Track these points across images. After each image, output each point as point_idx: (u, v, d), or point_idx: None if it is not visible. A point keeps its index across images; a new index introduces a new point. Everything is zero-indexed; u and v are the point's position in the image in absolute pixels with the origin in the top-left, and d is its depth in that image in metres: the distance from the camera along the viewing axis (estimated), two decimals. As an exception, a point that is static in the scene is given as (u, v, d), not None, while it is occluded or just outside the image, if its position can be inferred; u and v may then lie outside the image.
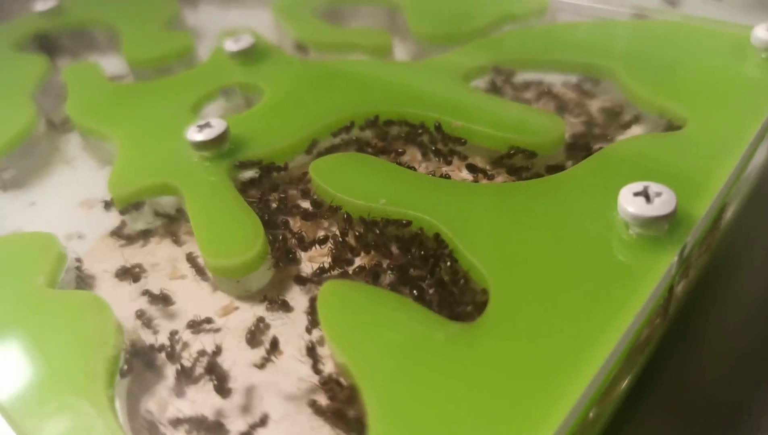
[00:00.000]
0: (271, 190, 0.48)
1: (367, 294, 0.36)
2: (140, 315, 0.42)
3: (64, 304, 0.39)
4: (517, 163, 0.46)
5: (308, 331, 0.38)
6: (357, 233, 0.41)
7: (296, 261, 0.43)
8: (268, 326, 0.40)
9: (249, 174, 0.48)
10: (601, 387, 0.30)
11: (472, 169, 0.47)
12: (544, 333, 0.31)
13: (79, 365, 0.36)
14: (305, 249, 0.43)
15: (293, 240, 0.44)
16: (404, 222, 0.40)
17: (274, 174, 0.48)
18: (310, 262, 0.44)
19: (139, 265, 0.45)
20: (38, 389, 0.34)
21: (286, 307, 0.41)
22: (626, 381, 0.35)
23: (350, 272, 0.40)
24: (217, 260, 0.41)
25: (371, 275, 0.39)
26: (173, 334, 0.40)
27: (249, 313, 0.41)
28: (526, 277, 0.34)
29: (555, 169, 0.45)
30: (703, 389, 0.35)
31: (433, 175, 0.46)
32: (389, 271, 0.39)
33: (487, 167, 0.47)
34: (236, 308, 0.42)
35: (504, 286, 0.34)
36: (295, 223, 0.46)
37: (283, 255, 0.43)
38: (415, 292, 0.36)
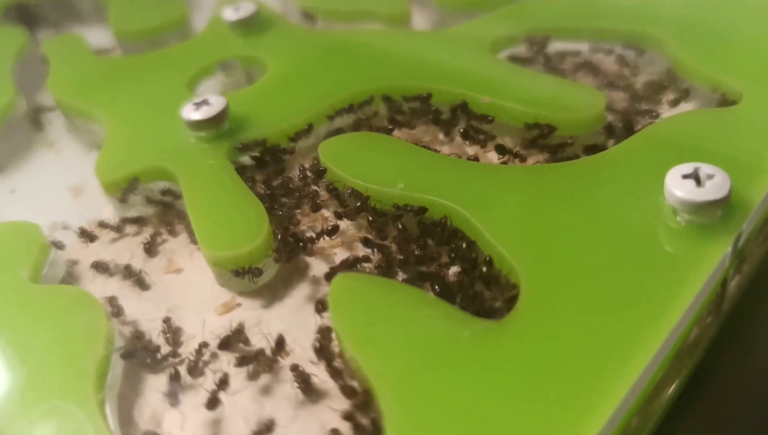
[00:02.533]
0: (276, 175, 0.48)
1: (383, 288, 0.36)
2: (120, 311, 0.43)
3: (49, 300, 0.40)
4: (552, 143, 0.46)
5: (318, 329, 0.38)
6: (370, 219, 0.42)
7: (307, 252, 0.44)
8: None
9: (251, 157, 0.49)
10: (645, 393, 0.30)
11: (501, 150, 0.47)
12: (581, 332, 0.31)
13: (67, 367, 0.36)
14: (314, 240, 0.44)
15: (301, 230, 0.44)
16: (417, 208, 0.41)
17: (279, 156, 0.49)
18: (320, 253, 0.44)
19: (131, 258, 0.46)
20: (23, 392, 0.35)
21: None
22: (673, 386, 0.35)
23: (364, 265, 0.41)
24: (216, 252, 0.41)
25: (387, 268, 0.39)
26: (168, 325, 0.40)
27: (252, 311, 0.41)
28: (561, 270, 0.34)
29: (594, 149, 0.45)
30: (760, 397, 0.35)
31: (458, 157, 0.46)
32: (408, 264, 0.39)
33: (518, 148, 0.47)
34: (238, 305, 0.42)
35: (536, 279, 0.34)
36: (304, 212, 0.46)
37: (290, 246, 0.43)
38: (436, 286, 0.37)
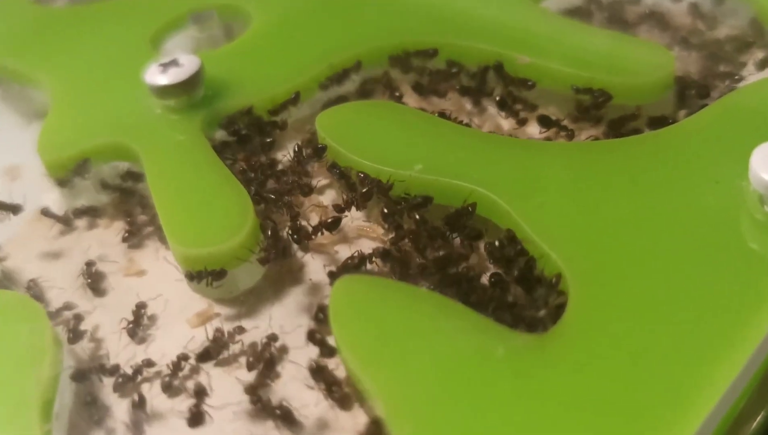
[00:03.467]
0: (263, 153, 0.49)
1: (397, 294, 0.37)
2: (78, 321, 0.43)
3: (-18, 308, 0.40)
4: (608, 114, 0.46)
5: (316, 343, 0.39)
6: (385, 211, 0.42)
7: (302, 249, 0.44)
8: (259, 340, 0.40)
9: (232, 131, 0.49)
10: (724, 423, 0.30)
11: (544, 122, 0.47)
12: (644, 348, 0.32)
13: (6, 391, 0.37)
14: (311, 235, 0.44)
15: (294, 222, 0.45)
16: (421, 199, 0.41)
17: (267, 131, 0.49)
18: (318, 251, 0.45)
19: (84, 257, 0.46)
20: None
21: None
22: (760, 417, 0.35)
23: (374, 264, 0.41)
24: (189, 249, 0.42)
25: (403, 269, 0.40)
26: (132, 336, 0.41)
27: (234, 322, 0.42)
28: (620, 271, 0.35)
29: (661, 122, 0.45)
30: None
31: (491, 132, 0.46)
32: (428, 264, 0.40)
33: (565, 120, 0.47)
34: (216, 315, 0.43)
35: (588, 282, 0.35)
36: (298, 200, 0.47)
37: (281, 242, 0.43)
38: (463, 292, 0.38)
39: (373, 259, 0.42)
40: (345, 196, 0.44)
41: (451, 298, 0.37)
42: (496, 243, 0.40)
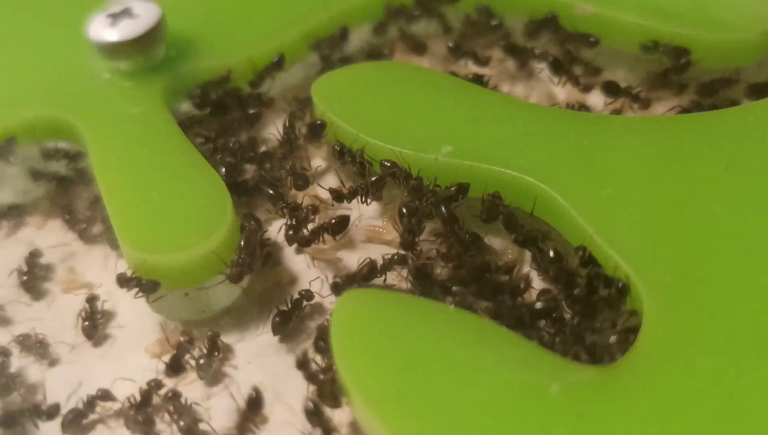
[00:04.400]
0: (244, 131, 0.49)
1: (420, 314, 0.37)
2: (4, 354, 0.43)
3: None
4: (694, 80, 0.46)
5: (314, 380, 0.39)
6: (403, 211, 0.42)
7: (295, 257, 0.44)
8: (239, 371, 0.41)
9: (204, 102, 0.49)
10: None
11: (610, 90, 0.47)
12: (741, 386, 0.32)
13: None
14: (308, 239, 0.44)
15: (286, 220, 0.45)
16: (456, 188, 0.42)
17: (248, 102, 0.50)
18: (317, 259, 0.45)
19: (9, 267, 0.47)
20: None
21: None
22: None
23: (391, 273, 0.42)
24: (146, 256, 0.42)
25: (425, 282, 0.40)
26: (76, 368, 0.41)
27: (206, 350, 0.42)
28: (709, 286, 0.35)
29: (764, 90, 0.45)
30: None
31: (541, 103, 0.47)
32: (460, 275, 0.40)
33: (639, 87, 0.47)
34: (186, 342, 0.43)
35: (668, 300, 0.35)
36: (289, 192, 0.47)
37: (267, 248, 0.44)
38: (505, 311, 0.38)
39: (388, 268, 0.42)
40: (349, 185, 0.45)
41: (487, 319, 0.37)
42: (551, 252, 0.40)
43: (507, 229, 0.42)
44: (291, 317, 0.43)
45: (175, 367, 0.42)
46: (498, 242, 0.44)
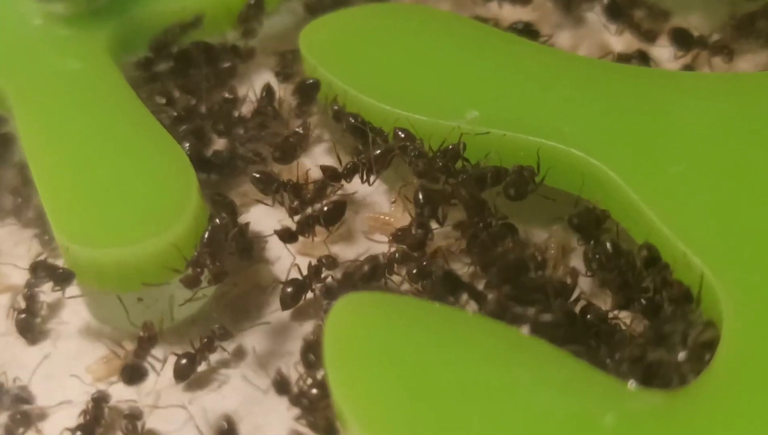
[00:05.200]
0: (214, 91, 0.50)
1: (436, 323, 0.36)
2: None
3: None
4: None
5: (300, 403, 0.39)
6: (420, 197, 0.42)
7: (276, 250, 0.45)
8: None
9: (164, 56, 0.50)
10: None
11: (681, 39, 0.47)
12: None
13: None
14: (294, 232, 0.44)
15: (266, 205, 0.46)
16: (493, 170, 0.41)
17: (219, 55, 0.50)
18: (306, 256, 0.45)
19: None
20: None
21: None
22: None
23: (395, 275, 0.42)
24: (87, 250, 0.42)
25: (445, 284, 0.40)
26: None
27: (166, 374, 0.43)
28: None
29: None
30: None
31: (592, 56, 0.47)
32: (488, 276, 0.40)
33: (717, 36, 0.47)
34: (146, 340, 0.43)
35: (754, 306, 0.35)
36: (270, 168, 0.47)
37: (244, 241, 0.44)
38: (546, 320, 0.38)
39: (395, 266, 0.42)
40: (347, 161, 0.45)
41: (522, 330, 0.37)
42: (608, 244, 0.39)
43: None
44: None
45: (132, 376, 0.41)
46: (531, 232, 0.44)
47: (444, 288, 0.40)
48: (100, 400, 0.41)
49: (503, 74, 0.44)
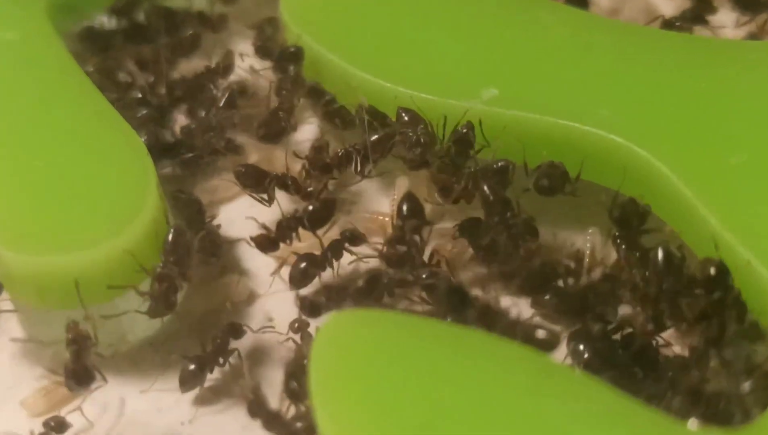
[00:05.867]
0: (177, 65, 0.50)
1: (443, 346, 0.36)
2: None
3: None
4: None
5: (275, 428, 0.40)
6: (405, 209, 0.42)
7: (254, 256, 0.45)
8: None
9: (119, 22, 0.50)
10: None
11: (744, 1, 0.48)
12: None
13: None
14: (274, 239, 0.44)
15: (240, 201, 0.46)
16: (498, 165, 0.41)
17: (182, 20, 0.50)
18: (286, 264, 0.44)
19: None
20: None
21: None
22: None
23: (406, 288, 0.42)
24: (23, 258, 0.42)
25: (452, 297, 0.40)
26: None
27: (115, 405, 0.43)
28: None
29: None
30: None
31: (633, 22, 0.46)
32: (523, 284, 0.40)
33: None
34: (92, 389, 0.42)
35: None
36: (251, 153, 0.48)
37: (214, 245, 0.45)
38: (581, 348, 0.38)
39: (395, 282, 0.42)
40: (337, 148, 0.45)
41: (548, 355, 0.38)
42: (660, 253, 0.39)
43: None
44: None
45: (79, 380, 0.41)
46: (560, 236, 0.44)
47: (449, 305, 0.40)
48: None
49: (528, 44, 0.44)
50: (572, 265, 0.41)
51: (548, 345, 0.38)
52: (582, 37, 0.44)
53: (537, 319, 0.40)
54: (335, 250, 0.43)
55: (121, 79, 0.49)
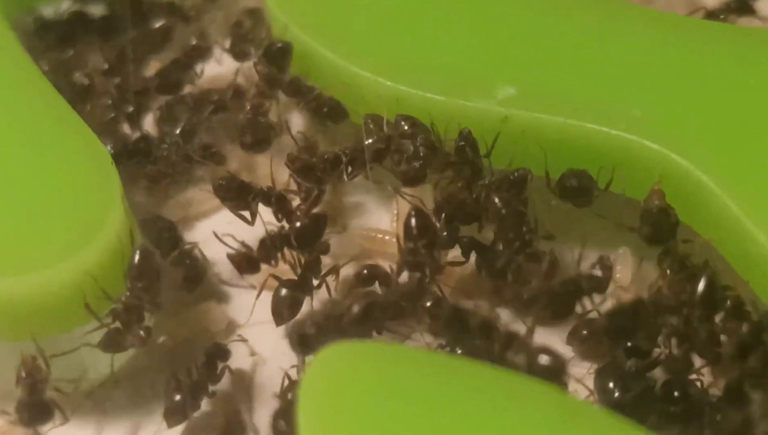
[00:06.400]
0: (146, 62, 0.50)
1: (450, 383, 0.37)
2: None
3: None
4: None
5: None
6: (414, 225, 0.42)
7: (224, 285, 0.45)
8: None
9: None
10: None
11: None
12: None
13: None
14: (256, 260, 0.44)
15: (217, 220, 0.46)
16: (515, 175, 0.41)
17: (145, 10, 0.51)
18: (270, 289, 0.44)
19: None
20: None
21: None
22: None
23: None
24: None
25: (461, 327, 0.40)
26: None
27: None
28: None
29: None
30: None
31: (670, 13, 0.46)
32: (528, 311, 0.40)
33: None
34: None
35: None
36: (233, 160, 0.48)
37: (191, 268, 0.45)
38: (610, 385, 0.38)
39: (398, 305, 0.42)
40: (324, 151, 0.45)
41: (569, 392, 0.38)
42: (702, 281, 0.39)
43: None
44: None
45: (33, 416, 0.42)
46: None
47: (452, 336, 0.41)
48: None
49: (549, 34, 0.45)
50: (599, 272, 0.41)
51: (553, 373, 0.38)
52: (611, 26, 0.44)
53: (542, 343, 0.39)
54: (311, 268, 0.43)
55: (79, 79, 0.49)
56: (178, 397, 0.41)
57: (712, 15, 0.48)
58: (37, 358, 0.41)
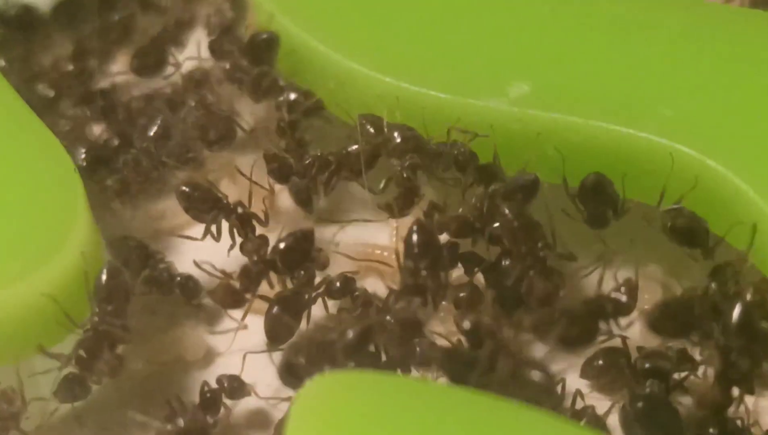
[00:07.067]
0: (111, 58, 0.51)
1: (451, 415, 0.37)
2: None
3: None
4: None
5: None
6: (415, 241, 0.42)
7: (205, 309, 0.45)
8: None
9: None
10: None
11: None
12: None
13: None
14: (239, 298, 0.45)
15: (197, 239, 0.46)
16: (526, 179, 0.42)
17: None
18: (257, 313, 0.45)
19: None
20: None
21: None
22: None
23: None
24: None
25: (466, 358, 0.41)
26: None
27: None
28: None
29: None
30: None
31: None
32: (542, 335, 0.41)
33: None
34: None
35: None
36: (211, 165, 0.49)
37: (169, 284, 0.46)
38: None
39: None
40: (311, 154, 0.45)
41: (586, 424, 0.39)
42: (737, 309, 0.39)
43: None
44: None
45: None
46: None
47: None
48: None
49: (567, 25, 0.45)
50: (623, 297, 0.41)
51: (544, 389, 0.39)
52: (639, 15, 0.45)
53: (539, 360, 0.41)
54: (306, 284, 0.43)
55: (40, 75, 0.50)
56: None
57: (757, 2, 0.49)
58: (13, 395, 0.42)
